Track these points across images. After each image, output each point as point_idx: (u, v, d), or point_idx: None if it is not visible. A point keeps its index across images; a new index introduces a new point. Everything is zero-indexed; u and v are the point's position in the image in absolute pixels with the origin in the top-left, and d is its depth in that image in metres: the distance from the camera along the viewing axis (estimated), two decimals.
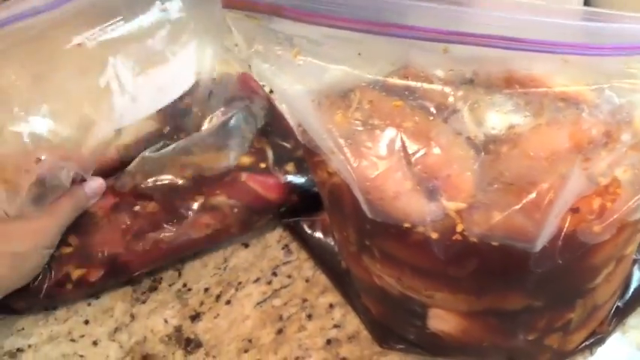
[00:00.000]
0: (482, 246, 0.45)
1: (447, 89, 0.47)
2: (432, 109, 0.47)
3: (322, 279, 0.70)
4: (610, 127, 0.45)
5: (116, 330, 0.69)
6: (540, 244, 0.44)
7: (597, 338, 0.60)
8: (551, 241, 0.45)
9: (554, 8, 0.43)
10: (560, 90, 0.47)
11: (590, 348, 0.61)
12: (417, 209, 0.46)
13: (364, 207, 0.47)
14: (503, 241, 0.45)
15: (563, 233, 0.45)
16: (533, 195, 0.44)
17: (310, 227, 0.71)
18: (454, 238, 0.45)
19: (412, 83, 0.48)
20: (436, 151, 0.46)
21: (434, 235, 0.46)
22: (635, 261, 0.64)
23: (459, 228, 0.45)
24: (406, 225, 0.46)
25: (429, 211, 0.46)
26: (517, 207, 0.44)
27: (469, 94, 0.47)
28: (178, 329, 0.68)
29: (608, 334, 0.61)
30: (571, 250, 0.45)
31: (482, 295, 0.50)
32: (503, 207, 0.44)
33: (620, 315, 0.62)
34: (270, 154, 0.73)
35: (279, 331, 0.66)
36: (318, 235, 0.68)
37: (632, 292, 0.63)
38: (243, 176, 0.71)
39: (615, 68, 0.45)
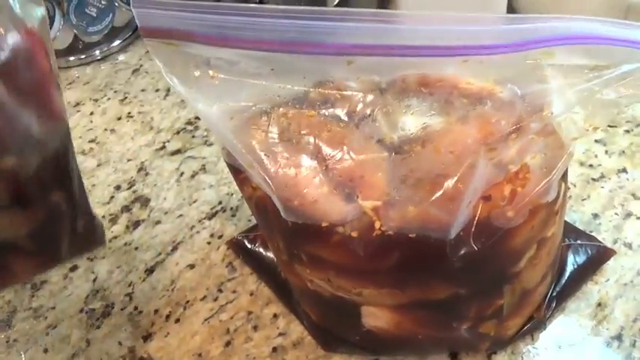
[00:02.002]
0: (400, 239, 0.47)
1: (358, 97, 0.50)
2: (345, 117, 0.49)
3: (266, 291, 0.71)
4: (519, 118, 0.47)
5: (74, 356, 0.70)
6: (454, 232, 0.46)
7: (536, 323, 0.61)
8: (465, 229, 0.46)
9: (468, 17, 0.45)
10: (464, 87, 0.48)
11: (531, 333, 0.62)
12: (336, 210, 0.48)
13: (284, 214, 0.48)
14: (419, 232, 0.46)
15: (475, 220, 0.46)
16: (443, 187, 0.45)
17: (251, 242, 0.72)
18: (373, 234, 0.47)
19: (325, 95, 0.50)
20: (349, 155, 0.48)
21: (354, 234, 0.47)
22: (569, 246, 0.65)
23: (377, 225, 0.47)
24: (326, 225, 0.48)
25: (347, 211, 0.47)
26: (429, 200, 0.46)
27: (382, 100, 0.49)
28: (132, 350, 0.69)
29: (547, 318, 0.62)
30: (486, 235, 0.47)
31: (406, 288, 0.52)
32: (417, 201, 0.46)
33: (558, 299, 0.63)
34: None
35: (227, 344, 0.67)
36: (259, 249, 0.69)
37: (568, 276, 0.64)
38: None
39: (516, 63, 0.47)
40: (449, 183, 0.45)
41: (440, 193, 0.45)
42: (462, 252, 0.47)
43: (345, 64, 0.46)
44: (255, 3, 0.99)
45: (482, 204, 0.46)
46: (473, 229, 0.46)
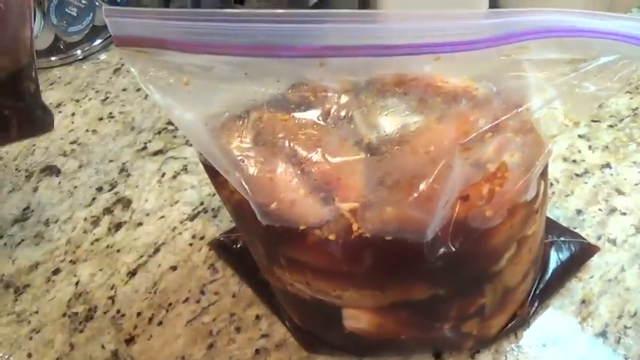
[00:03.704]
0: (378, 241, 0.46)
1: (334, 99, 0.49)
2: (320, 119, 0.49)
3: (248, 292, 0.71)
4: (496, 116, 0.46)
5: None
6: (431, 233, 0.45)
7: (519, 321, 0.61)
8: (443, 229, 0.46)
9: (441, 14, 0.44)
10: (438, 86, 0.48)
11: (515, 331, 0.62)
12: (313, 213, 0.47)
13: (261, 218, 0.48)
14: (396, 235, 0.46)
15: (453, 220, 0.46)
16: (419, 188, 0.45)
17: (232, 243, 0.72)
18: (350, 237, 0.46)
19: (299, 97, 0.50)
20: (325, 158, 0.47)
21: (331, 237, 0.47)
22: (552, 243, 0.65)
23: (355, 227, 0.46)
24: (303, 228, 0.47)
25: (324, 214, 0.47)
26: (405, 201, 0.45)
27: (358, 101, 0.49)
28: (115, 353, 0.69)
29: (530, 316, 0.62)
30: (464, 235, 0.47)
31: (386, 289, 0.51)
32: (393, 202, 0.46)
33: (542, 297, 0.63)
34: None
35: (210, 346, 0.67)
36: (241, 250, 0.69)
37: (552, 274, 0.64)
38: None
39: (490, 59, 0.46)
40: (425, 184, 0.45)
41: (416, 194, 0.45)
42: (441, 252, 0.47)
43: (317, 65, 0.46)
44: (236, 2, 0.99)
45: (460, 204, 0.46)
46: (450, 230, 0.46)
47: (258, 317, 0.69)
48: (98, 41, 1.13)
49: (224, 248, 0.74)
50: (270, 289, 0.64)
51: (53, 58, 1.13)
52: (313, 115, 0.49)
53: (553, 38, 0.45)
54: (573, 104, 0.47)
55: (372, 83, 0.50)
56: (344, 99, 0.49)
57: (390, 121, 0.49)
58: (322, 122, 0.49)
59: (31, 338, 0.73)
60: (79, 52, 1.13)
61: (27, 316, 0.75)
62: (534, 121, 0.47)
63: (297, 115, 0.49)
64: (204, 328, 0.69)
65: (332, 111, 0.49)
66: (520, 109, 0.46)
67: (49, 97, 1.07)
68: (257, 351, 0.66)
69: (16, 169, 0.98)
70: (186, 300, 0.72)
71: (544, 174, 0.51)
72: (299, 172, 0.47)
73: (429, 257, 0.46)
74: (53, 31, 1.11)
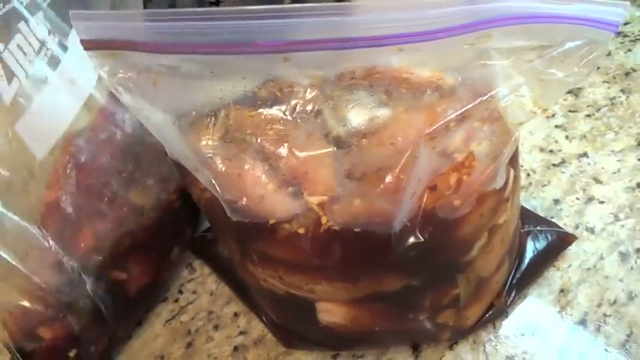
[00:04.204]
0: (346, 234, 0.46)
1: (300, 94, 0.49)
2: (287, 114, 0.48)
3: (226, 290, 0.71)
4: (463, 105, 0.46)
5: None
6: (398, 224, 0.45)
7: (496, 311, 0.61)
8: (411, 220, 0.46)
9: (406, 3, 0.44)
10: (403, 77, 0.48)
11: (493, 322, 0.62)
12: (282, 207, 0.47)
13: (231, 214, 0.48)
14: (365, 226, 0.46)
15: (421, 211, 0.46)
16: (385, 180, 0.45)
17: (209, 242, 0.72)
18: (320, 230, 0.47)
19: (266, 93, 0.50)
20: (292, 152, 0.47)
21: (300, 230, 0.47)
22: (528, 232, 0.65)
23: (324, 220, 0.46)
24: (272, 222, 0.47)
25: (293, 208, 0.47)
26: (372, 193, 0.45)
27: (324, 95, 0.49)
28: None
29: (508, 306, 0.62)
30: (433, 225, 0.47)
31: (357, 281, 0.51)
32: (361, 195, 0.46)
33: (519, 286, 0.63)
34: None
35: (189, 345, 0.67)
36: (217, 249, 0.69)
37: (528, 263, 0.64)
38: None
39: (454, 48, 0.46)
40: (391, 175, 0.45)
41: (383, 185, 0.45)
42: (410, 243, 0.47)
43: (282, 61, 0.46)
44: (211, 4, 0.99)
45: (427, 194, 0.46)
46: (419, 220, 0.46)
47: (236, 314, 0.69)
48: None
49: (201, 247, 0.74)
50: (247, 287, 0.64)
51: None
52: (280, 110, 0.49)
53: (517, 25, 0.44)
54: (541, 91, 0.47)
55: (342, 77, 0.50)
56: (310, 93, 0.49)
57: (357, 114, 0.48)
58: (289, 117, 0.48)
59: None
60: None
61: None
62: (501, 109, 0.47)
63: (264, 110, 0.49)
64: (183, 327, 0.69)
65: (299, 105, 0.49)
66: (485, 97, 0.46)
67: None
68: (235, 348, 0.66)
69: None
70: (165, 300, 0.72)
71: (513, 162, 0.51)
72: (267, 168, 0.47)
73: (398, 248, 0.47)
74: None
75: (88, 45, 0.46)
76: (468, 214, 0.47)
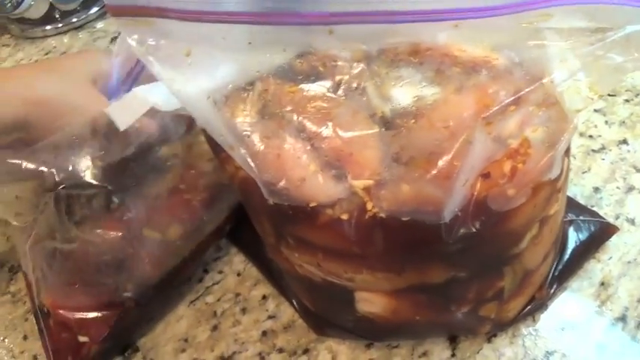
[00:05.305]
0: (392, 222, 0.44)
1: (345, 69, 0.47)
2: (330, 91, 0.46)
3: (253, 271, 0.69)
4: (518, 88, 0.44)
5: None
6: (448, 214, 0.43)
7: (537, 304, 0.59)
8: (463, 209, 0.43)
9: None
10: (456, 55, 0.46)
11: (532, 315, 0.60)
12: (324, 191, 0.45)
13: (268, 197, 0.45)
14: (413, 215, 0.43)
15: (473, 200, 0.43)
16: (436, 166, 0.42)
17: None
18: (364, 217, 0.44)
19: (308, 67, 0.48)
20: (336, 132, 0.45)
21: (344, 216, 0.45)
22: (571, 222, 0.63)
23: (369, 206, 0.44)
24: (313, 206, 0.45)
25: (336, 192, 0.45)
26: (423, 179, 0.43)
27: (370, 71, 0.46)
28: None
29: (549, 298, 0.60)
30: (485, 216, 0.44)
31: (402, 272, 0.49)
32: (410, 180, 0.43)
33: (560, 278, 0.61)
34: None
35: (214, 328, 0.65)
36: (245, 226, 0.66)
37: (570, 254, 0.62)
38: None
39: (511, 26, 0.44)
40: (443, 160, 0.42)
41: (434, 171, 0.42)
42: (460, 234, 0.44)
43: (326, 33, 0.44)
44: None
45: (480, 182, 0.43)
46: (471, 209, 0.44)
47: (264, 297, 0.67)
48: (95, 9, 1.12)
49: None
50: (277, 268, 0.62)
51: (48, 27, 1.12)
52: (323, 86, 0.47)
53: (578, 5, 0.43)
54: (598, 76, 0.44)
55: (385, 53, 0.48)
56: (355, 69, 0.47)
57: (405, 93, 0.46)
58: (332, 94, 0.46)
59: (26, 319, 0.71)
60: (74, 20, 1.12)
61: (22, 296, 0.73)
62: (558, 94, 0.44)
63: (306, 86, 0.47)
64: (208, 308, 0.67)
65: (343, 82, 0.46)
66: (544, 81, 0.44)
67: None
68: (264, 333, 0.64)
69: None
70: (189, 279, 0.70)
71: (567, 150, 0.49)
72: (308, 148, 0.45)
73: (448, 238, 0.44)
74: None
75: (116, 10, 0.43)
76: (521, 205, 0.45)
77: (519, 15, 0.43)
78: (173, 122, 0.64)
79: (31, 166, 0.57)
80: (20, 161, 0.57)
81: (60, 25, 1.11)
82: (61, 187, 0.58)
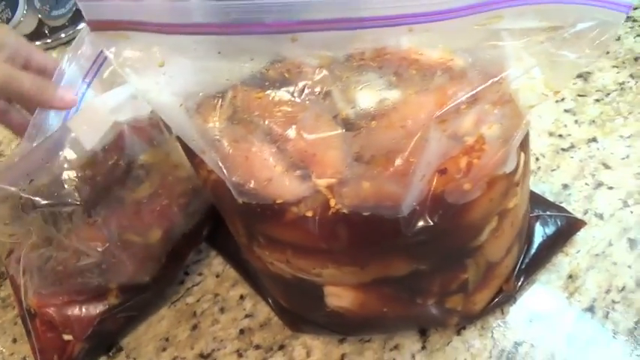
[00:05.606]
0: (354, 217, 0.46)
1: (309, 75, 0.49)
2: (295, 96, 0.48)
3: (232, 273, 0.71)
4: (473, 87, 0.46)
5: None
6: (407, 208, 0.45)
7: (505, 297, 0.61)
8: (421, 203, 0.45)
9: None
10: (413, 58, 0.47)
11: (501, 307, 0.62)
12: (289, 189, 0.47)
13: (237, 196, 0.47)
14: (374, 210, 0.45)
15: (430, 194, 0.45)
16: (394, 163, 0.44)
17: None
18: (328, 213, 0.46)
19: (275, 74, 0.50)
20: (300, 134, 0.47)
21: (308, 213, 0.47)
22: (537, 217, 0.64)
23: (332, 202, 0.46)
24: (280, 203, 0.47)
25: (301, 190, 0.47)
26: (381, 176, 0.45)
27: (333, 76, 0.48)
28: None
29: (517, 291, 0.62)
30: (442, 209, 0.46)
31: (366, 266, 0.51)
32: (370, 178, 0.45)
33: (528, 271, 0.62)
34: None
35: (194, 327, 0.67)
36: (223, 231, 0.68)
37: (537, 248, 0.63)
38: None
39: (464, 29, 0.46)
40: (401, 158, 0.44)
41: (392, 168, 0.44)
42: (419, 227, 0.46)
43: (290, 41, 0.45)
44: None
45: (437, 177, 0.45)
46: (428, 203, 0.46)
47: (242, 297, 0.69)
48: (82, 25, 1.12)
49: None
50: (253, 269, 0.63)
51: (38, 43, 1.13)
52: (288, 91, 0.48)
53: (529, 5, 0.44)
54: (553, 73, 0.46)
55: (351, 58, 0.50)
56: (319, 74, 0.48)
57: (366, 96, 0.48)
58: (297, 99, 0.48)
59: (15, 323, 0.73)
60: (63, 35, 1.13)
61: (12, 301, 0.75)
62: (512, 91, 0.46)
63: (272, 92, 0.49)
64: (188, 309, 0.69)
65: (307, 87, 0.48)
66: (496, 79, 0.45)
67: None
68: (241, 331, 0.66)
69: (0, 155, 0.97)
70: (170, 281, 0.72)
71: (524, 145, 0.50)
72: (274, 150, 0.47)
73: (407, 232, 0.46)
74: (37, 15, 1.10)
75: (95, 25, 0.45)
76: (478, 198, 0.47)
77: (470, 18, 0.44)
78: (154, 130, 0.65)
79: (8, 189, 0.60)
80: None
81: (49, 40, 1.13)
82: (39, 207, 0.60)
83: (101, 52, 0.64)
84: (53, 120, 0.63)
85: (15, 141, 0.98)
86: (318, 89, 0.48)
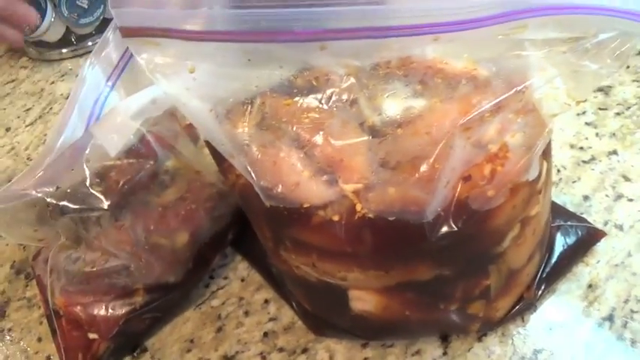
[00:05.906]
0: (380, 222, 0.47)
1: (337, 82, 0.50)
2: (323, 103, 0.49)
3: (256, 277, 0.72)
4: (496, 96, 0.47)
5: None
6: (431, 214, 0.46)
7: (526, 304, 0.61)
8: (445, 209, 0.46)
9: None
10: (439, 68, 0.48)
11: (521, 315, 0.62)
12: (316, 194, 0.48)
13: (266, 200, 0.48)
14: (399, 215, 0.46)
15: (454, 200, 0.46)
16: (419, 169, 0.45)
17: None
18: (354, 218, 0.47)
19: (303, 82, 0.51)
20: (327, 140, 0.48)
21: (335, 218, 0.47)
22: (559, 227, 0.65)
23: (358, 207, 0.47)
24: (307, 207, 0.48)
25: (328, 195, 0.48)
26: (407, 182, 0.46)
27: (360, 84, 0.50)
28: None
29: (537, 299, 0.62)
30: (466, 215, 0.47)
31: (390, 270, 0.52)
32: (395, 183, 0.46)
33: (548, 280, 0.63)
34: None
35: (219, 329, 0.68)
36: (249, 235, 0.69)
37: (558, 257, 0.64)
38: None
39: (488, 39, 0.47)
40: (426, 164, 0.45)
41: (418, 174, 0.45)
42: (443, 232, 0.47)
43: (318, 49, 0.46)
44: None
45: (461, 184, 0.46)
46: (452, 209, 0.46)
47: (266, 301, 0.70)
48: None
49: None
50: (278, 273, 0.64)
51: (64, 50, 1.15)
52: (316, 98, 0.49)
53: (551, 16, 0.45)
54: (574, 83, 0.47)
55: (378, 67, 0.51)
56: (346, 82, 0.49)
57: (392, 104, 0.49)
58: (325, 106, 0.49)
59: (41, 323, 0.74)
60: (90, 44, 1.15)
61: (37, 301, 0.76)
62: (535, 100, 0.47)
63: (301, 99, 0.50)
64: (213, 311, 0.70)
65: (334, 94, 0.49)
66: (519, 88, 0.46)
67: (59, 88, 1.07)
68: (265, 334, 0.67)
69: (28, 159, 0.98)
70: (196, 284, 0.73)
71: (546, 154, 0.51)
72: (302, 155, 0.48)
73: (431, 237, 0.47)
74: (64, 23, 1.12)
75: (127, 32, 0.47)
76: (501, 205, 0.47)
77: (495, 28, 0.45)
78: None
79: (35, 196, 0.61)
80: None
81: (76, 47, 1.15)
82: (67, 213, 0.62)
83: (123, 55, 0.65)
84: (75, 124, 0.64)
85: (41, 146, 0.99)
86: (345, 97, 0.49)
